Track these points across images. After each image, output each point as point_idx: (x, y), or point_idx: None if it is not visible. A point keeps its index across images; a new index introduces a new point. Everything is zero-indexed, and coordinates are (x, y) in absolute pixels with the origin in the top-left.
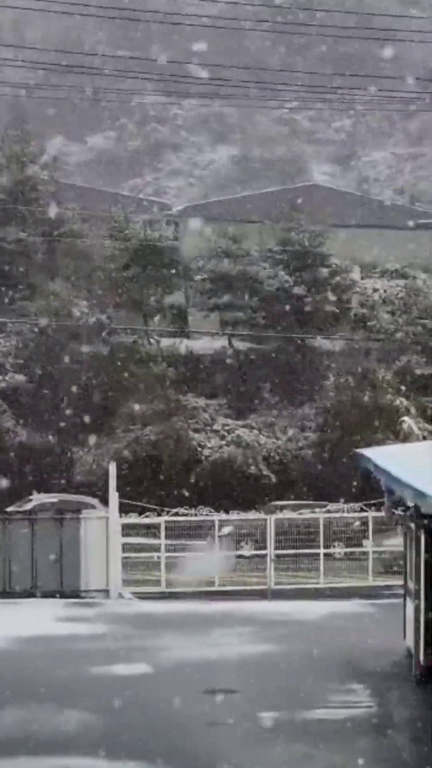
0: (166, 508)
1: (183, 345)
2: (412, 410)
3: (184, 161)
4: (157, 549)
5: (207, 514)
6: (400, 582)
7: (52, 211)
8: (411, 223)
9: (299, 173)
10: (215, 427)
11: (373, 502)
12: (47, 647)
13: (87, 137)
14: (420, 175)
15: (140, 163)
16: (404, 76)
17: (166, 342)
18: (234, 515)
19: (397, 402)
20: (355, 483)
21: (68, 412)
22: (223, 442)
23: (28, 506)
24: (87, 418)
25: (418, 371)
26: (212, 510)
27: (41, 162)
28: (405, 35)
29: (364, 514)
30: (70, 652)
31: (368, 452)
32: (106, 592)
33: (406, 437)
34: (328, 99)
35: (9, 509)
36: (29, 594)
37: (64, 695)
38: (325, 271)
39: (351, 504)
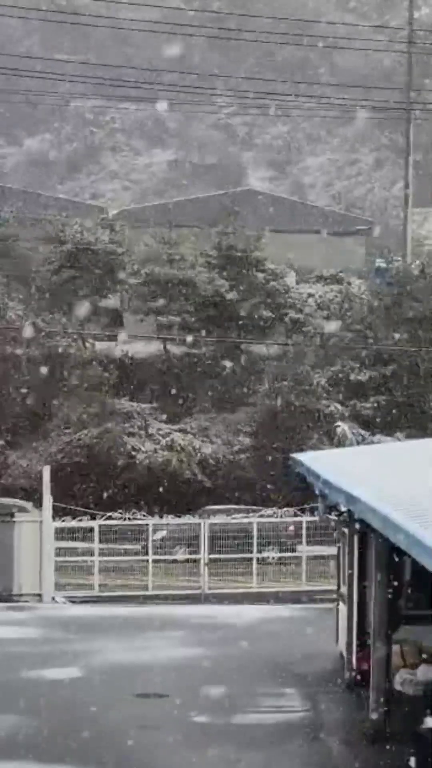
0: (100, 512)
1: (118, 349)
2: (347, 415)
3: (120, 164)
4: (90, 553)
5: (141, 518)
6: (333, 587)
7: None
8: (346, 229)
9: (236, 178)
10: (150, 431)
11: (306, 506)
12: None
13: (23, 139)
14: (356, 181)
15: (76, 166)
16: (340, 82)
17: (100, 345)
18: (168, 519)
19: (332, 407)
20: (289, 488)
21: (2, 415)
22: (158, 446)
23: None
24: (21, 422)
25: (352, 377)
26: (146, 514)
27: None
28: (342, 42)
29: (298, 519)
30: (1, 656)
31: (302, 457)
32: (39, 596)
33: (340, 442)
34: (264, 105)
35: None
36: None
37: None
38: (260, 276)
39: (285, 509)
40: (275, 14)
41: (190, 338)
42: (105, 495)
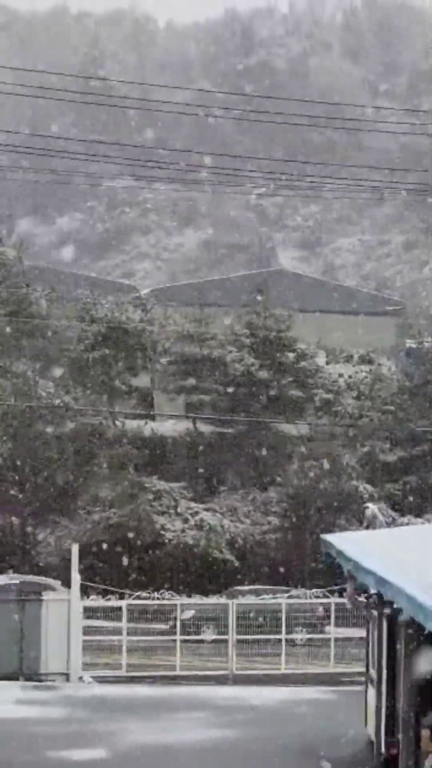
0: (128, 591)
1: (148, 427)
2: (376, 496)
3: (152, 244)
4: (118, 632)
5: (169, 598)
6: (362, 669)
7: (20, 292)
8: (376, 310)
9: (266, 258)
10: (179, 510)
11: (336, 588)
12: (4, 730)
13: (55, 219)
14: (386, 262)
15: (108, 245)
16: (371, 164)
17: (131, 424)
18: (196, 599)
19: (362, 488)
20: (318, 569)
21: (32, 493)
22: (187, 526)
23: None
24: (50, 499)
25: (382, 457)
26: (174, 593)
27: (10, 242)
28: (373, 125)
29: (327, 600)
30: (27, 736)
31: (332, 538)
32: (66, 676)
33: (369, 523)
34: (296, 186)
35: None
36: None
37: None
38: (290, 356)
39: (314, 590)
40: (306, 97)
41: (220, 417)
42: (133, 574)
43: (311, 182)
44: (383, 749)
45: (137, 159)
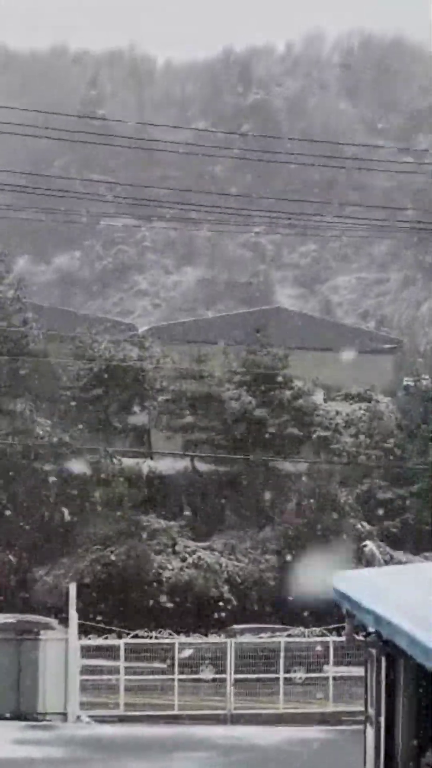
0: (125, 630)
1: (145, 465)
2: (374, 534)
3: (150, 282)
4: (116, 671)
5: (167, 637)
6: (361, 708)
7: (18, 330)
8: (374, 347)
9: (265, 296)
10: (177, 548)
11: (334, 626)
12: None
13: (53, 257)
14: (384, 300)
15: (106, 283)
16: (369, 202)
17: (128, 462)
18: (194, 638)
19: (359, 526)
20: (316, 607)
21: (29, 531)
22: (185, 564)
23: None
24: (48, 537)
25: (380, 495)
26: (172, 632)
27: (7, 281)
28: (370, 163)
29: (326, 638)
30: None
31: (330, 576)
32: (63, 715)
33: (368, 561)
34: (294, 224)
35: None
36: None
37: None
38: (288, 394)
39: (312, 628)
40: (304, 135)
41: (217, 455)
42: (131, 612)
43: (309, 220)
44: None
45: (135, 198)
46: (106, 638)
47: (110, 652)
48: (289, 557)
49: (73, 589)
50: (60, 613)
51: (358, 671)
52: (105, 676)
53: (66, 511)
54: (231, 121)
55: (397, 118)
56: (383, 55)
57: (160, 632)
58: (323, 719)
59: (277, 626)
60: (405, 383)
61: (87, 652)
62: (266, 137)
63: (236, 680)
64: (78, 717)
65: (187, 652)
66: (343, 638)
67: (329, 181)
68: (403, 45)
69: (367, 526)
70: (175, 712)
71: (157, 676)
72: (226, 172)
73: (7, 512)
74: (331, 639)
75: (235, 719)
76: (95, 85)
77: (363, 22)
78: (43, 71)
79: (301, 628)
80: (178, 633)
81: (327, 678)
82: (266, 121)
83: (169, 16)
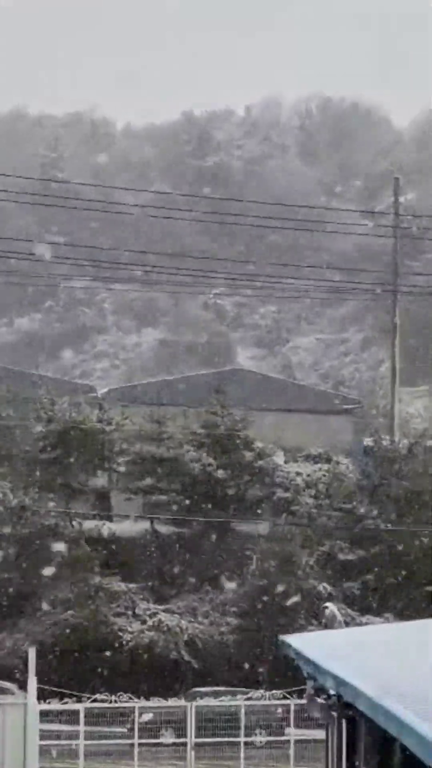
0: (85, 694)
1: (105, 527)
2: (335, 595)
3: (110, 344)
4: (75, 736)
5: (127, 701)
6: None
7: None
8: (334, 408)
9: (225, 357)
10: (137, 611)
11: (295, 689)
12: None
13: (13, 318)
14: (344, 361)
15: (66, 345)
16: (329, 264)
17: (88, 524)
18: (155, 701)
19: (320, 587)
20: (277, 669)
21: None
22: (145, 627)
23: None
24: (6, 601)
25: (341, 556)
26: (132, 696)
27: None
28: (329, 226)
29: (287, 701)
30: None
31: (290, 639)
32: None
33: (328, 623)
34: (253, 286)
35: None
36: None
37: None
38: (248, 455)
39: (273, 691)
40: (263, 198)
41: (177, 517)
42: (91, 675)
43: (268, 282)
44: None
45: (95, 259)
46: (66, 702)
47: (70, 716)
48: (249, 619)
49: (32, 653)
50: (19, 677)
51: (320, 734)
52: (64, 741)
53: (25, 574)
54: (191, 184)
55: (355, 180)
56: (341, 118)
57: (120, 696)
58: None
59: (237, 689)
60: (365, 444)
61: (46, 716)
62: (226, 200)
63: (197, 744)
64: None
65: (147, 716)
66: (304, 701)
67: (289, 244)
68: (360, 109)
69: (328, 588)
70: None
71: (117, 741)
72: (186, 234)
73: None
74: (293, 702)
75: None
76: (56, 148)
77: (322, 86)
78: (2, 134)
79: (262, 691)
80: (138, 696)
81: (288, 741)
82: (226, 183)
83: (129, 80)
